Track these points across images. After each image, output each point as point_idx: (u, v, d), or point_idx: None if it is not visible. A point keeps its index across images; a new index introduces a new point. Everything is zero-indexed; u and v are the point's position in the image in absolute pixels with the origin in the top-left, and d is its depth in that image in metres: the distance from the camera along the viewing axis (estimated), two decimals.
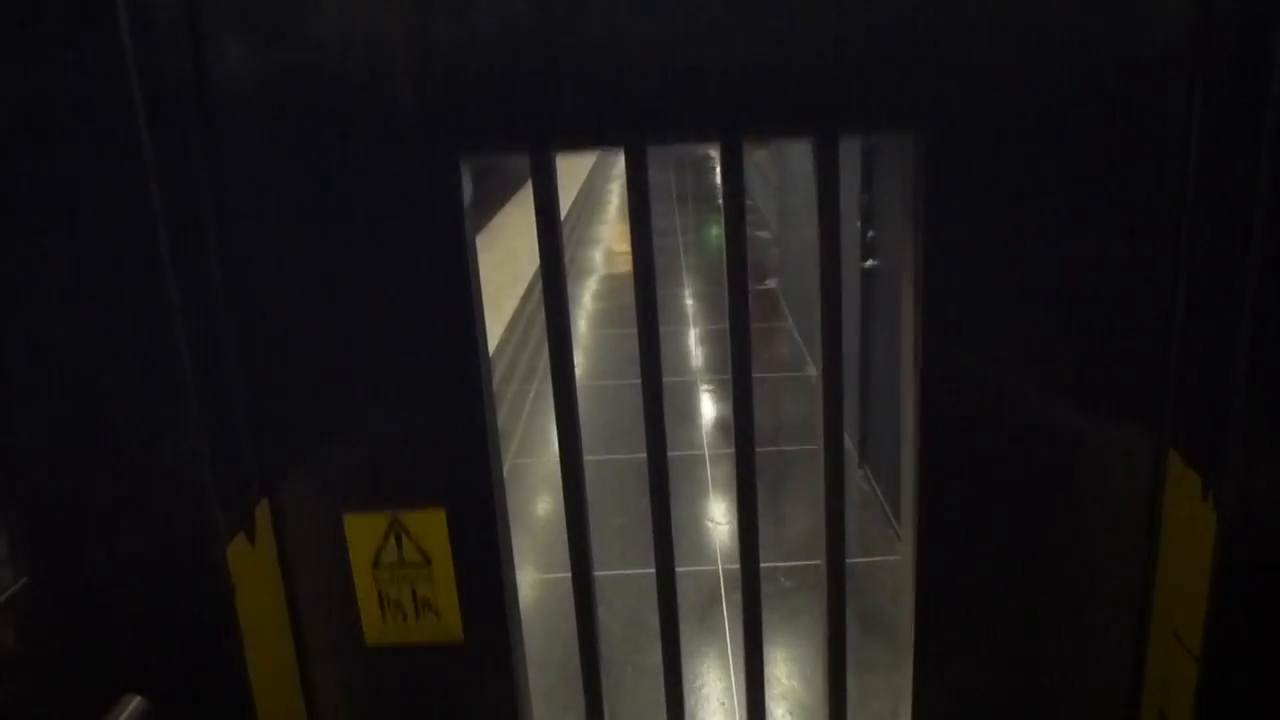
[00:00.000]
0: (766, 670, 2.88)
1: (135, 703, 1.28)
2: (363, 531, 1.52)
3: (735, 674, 3.00)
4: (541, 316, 1.53)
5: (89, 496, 1.29)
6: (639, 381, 1.53)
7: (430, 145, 1.35)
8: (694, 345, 6.65)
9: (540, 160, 1.41)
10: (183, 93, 1.29)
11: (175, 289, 1.22)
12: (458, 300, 1.42)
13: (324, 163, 1.38)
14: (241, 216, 1.39)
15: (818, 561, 1.62)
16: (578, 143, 1.44)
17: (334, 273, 1.42)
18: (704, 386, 5.71)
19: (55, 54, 1.15)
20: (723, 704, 2.92)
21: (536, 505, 4.37)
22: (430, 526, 1.50)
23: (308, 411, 1.45)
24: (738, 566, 1.66)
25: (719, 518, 4.06)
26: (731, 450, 1.61)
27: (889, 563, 3.41)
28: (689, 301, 7.85)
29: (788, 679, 2.93)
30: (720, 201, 1.59)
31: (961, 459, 1.48)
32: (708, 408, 5.38)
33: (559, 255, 1.51)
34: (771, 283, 7.60)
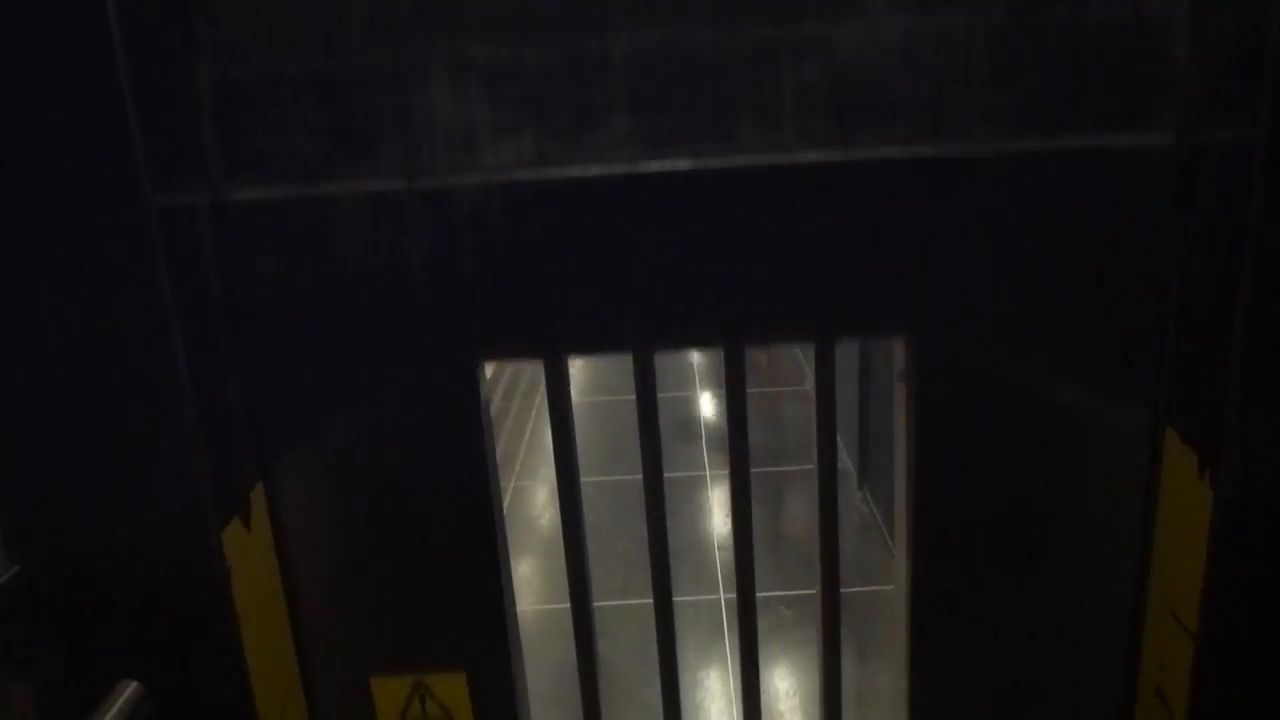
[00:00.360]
0: (771, 706, 2.92)
1: (132, 688, 1.29)
2: (388, 693, 1.59)
3: (737, 707, 3.04)
4: None
5: (82, 483, 1.32)
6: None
7: (449, 351, 1.43)
8: (696, 355, 6.66)
9: (553, 364, 1.49)
10: (207, 281, 1.36)
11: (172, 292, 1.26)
12: (477, 490, 1.51)
13: (348, 366, 1.46)
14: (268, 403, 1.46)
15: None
16: (588, 348, 1.53)
17: (357, 458, 1.50)
18: (705, 401, 5.73)
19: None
20: None
21: (537, 531, 4.40)
22: (452, 688, 1.57)
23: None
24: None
25: (721, 543, 4.09)
26: None
27: (887, 592, 3.44)
28: None
29: (790, 715, 2.97)
30: None
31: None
32: (710, 424, 5.40)
33: (572, 449, 1.58)
34: None
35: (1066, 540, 1.59)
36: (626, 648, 3.30)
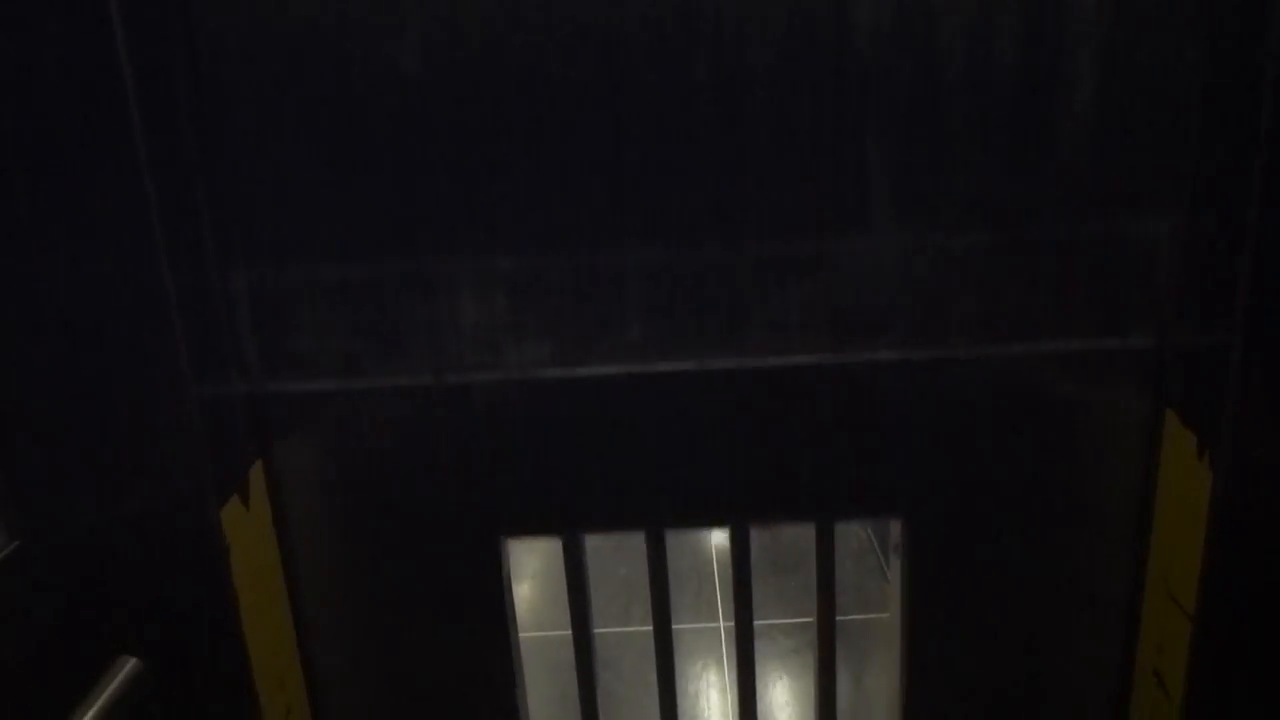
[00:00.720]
0: None
1: (131, 664, 1.32)
2: None
3: None
4: None
5: (83, 461, 1.36)
6: None
7: (473, 531, 1.50)
8: None
9: (571, 541, 1.56)
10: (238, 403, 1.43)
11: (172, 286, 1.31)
12: (499, 663, 1.58)
13: (376, 545, 1.52)
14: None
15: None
16: (602, 528, 1.61)
17: (383, 624, 1.58)
18: None
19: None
20: None
21: (536, 548, 4.42)
22: None
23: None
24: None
25: (721, 567, 4.12)
26: None
27: (884, 620, 3.47)
28: None
29: None
30: None
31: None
32: None
33: (588, 621, 1.66)
34: None
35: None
36: (627, 675, 3.33)
